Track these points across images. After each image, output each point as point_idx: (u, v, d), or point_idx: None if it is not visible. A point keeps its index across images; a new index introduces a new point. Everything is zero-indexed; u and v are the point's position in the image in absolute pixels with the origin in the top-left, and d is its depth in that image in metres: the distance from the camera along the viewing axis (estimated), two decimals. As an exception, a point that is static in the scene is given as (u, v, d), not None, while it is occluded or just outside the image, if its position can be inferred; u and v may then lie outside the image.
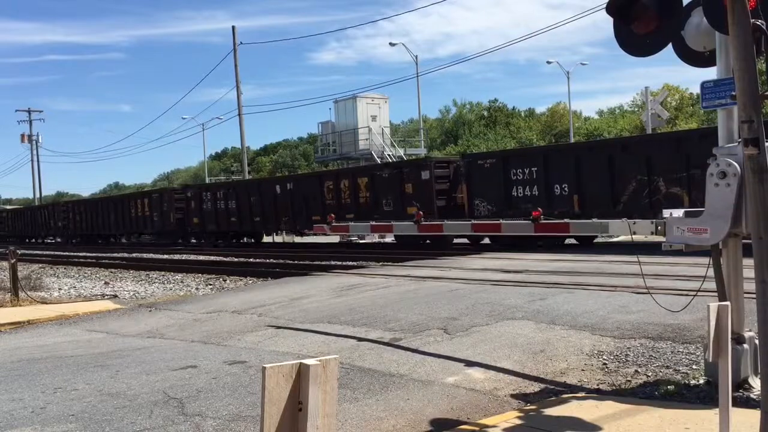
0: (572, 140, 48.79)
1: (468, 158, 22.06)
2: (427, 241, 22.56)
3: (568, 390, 5.24)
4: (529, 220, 6.15)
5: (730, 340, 3.67)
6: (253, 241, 32.40)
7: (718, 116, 5.03)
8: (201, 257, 26.73)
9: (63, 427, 4.74)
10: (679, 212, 5.01)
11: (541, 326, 7.26)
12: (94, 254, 31.38)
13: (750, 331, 4.81)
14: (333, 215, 10.66)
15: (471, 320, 7.76)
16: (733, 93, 3.88)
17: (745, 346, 4.81)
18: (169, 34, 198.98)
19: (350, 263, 19.11)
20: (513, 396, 5.19)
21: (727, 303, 3.76)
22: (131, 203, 37.90)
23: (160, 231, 35.91)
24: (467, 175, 21.10)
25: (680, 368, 5.56)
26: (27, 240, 53.97)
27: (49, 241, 51.58)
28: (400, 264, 16.08)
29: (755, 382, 4.72)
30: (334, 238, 28.21)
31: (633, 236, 5.22)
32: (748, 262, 3.91)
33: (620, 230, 5.42)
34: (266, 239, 33.33)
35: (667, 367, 5.61)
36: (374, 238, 27.19)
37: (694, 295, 5.73)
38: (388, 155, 38.10)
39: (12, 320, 10.62)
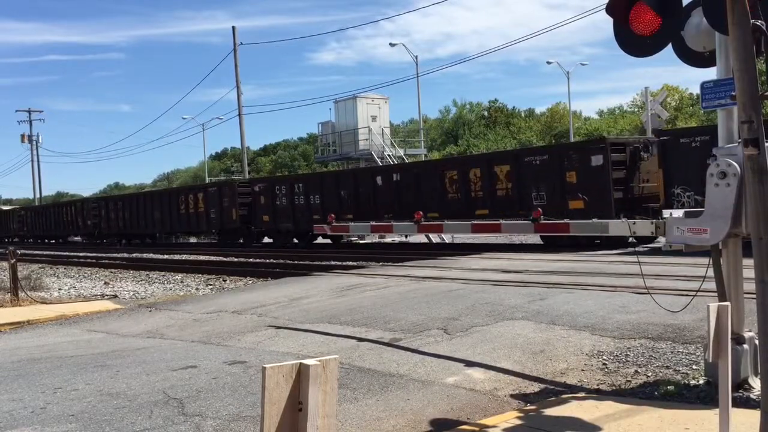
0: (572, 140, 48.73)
1: (667, 135, 18.23)
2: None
3: (568, 390, 5.24)
4: (529, 220, 6.15)
5: (730, 340, 3.67)
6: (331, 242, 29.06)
7: (718, 116, 5.04)
8: (201, 257, 26.73)
9: (63, 427, 4.74)
10: (679, 212, 5.01)
11: (541, 326, 7.26)
12: (94, 254, 31.38)
13: (750, 331, 4.81)
14: (333, 215, 10.63)
15: (471, 320, 7.76)
16: (733, 93, 3.88)
17: (745, 346, 4.80)
18: (168, 35, 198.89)
19: (350, 263, 19.11)
20: (513, 396, 5.19)
21: (727, 303, 3.76)
22: (181, 198, 34.47)
23: (220, 229, 32.85)
24: (663, 156, 17.35)
25: (680, 368, 5.56)
26: (47, 241, 50.57)
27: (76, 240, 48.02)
28: (400, 264, 16.07)
29: (755, 383, 4.72)
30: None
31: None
32: (748, 262, 3.91)
33: (620, 230, 5.42)
34: (367, 239, 30.18)
35: (667, 368, 5.61)
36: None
37: (694, 295, 5.73)
38: (388, 155, 38.08)
39: (12, 320, 10.62)
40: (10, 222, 58.05)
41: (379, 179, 25.04)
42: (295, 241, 29.53)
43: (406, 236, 27.73)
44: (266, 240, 31.83)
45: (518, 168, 20.44)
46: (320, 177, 29.30)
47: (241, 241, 31.92)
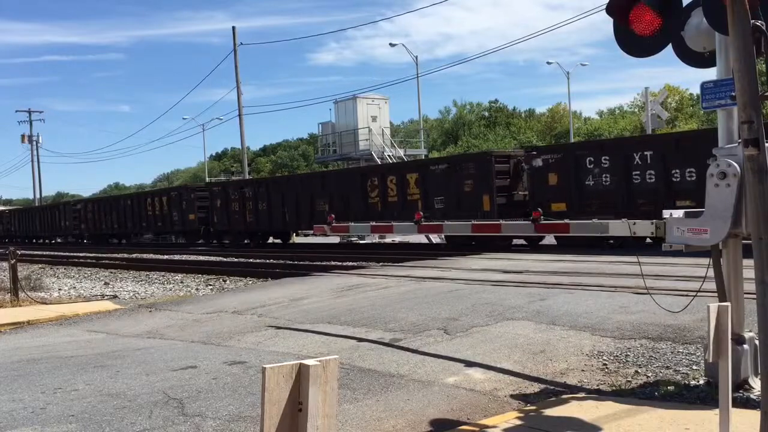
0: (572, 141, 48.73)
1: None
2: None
3: (568, 390, 5.24)
4: (529, 220, 6.15)
5: (730, 340, 3.66)
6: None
7: (718, 116, 5.03)
8: (201, 257, 26.73)
9: (63, 427, 4.74)
10: (679, 213, 5.01)
11: (541, 327, 7.26)
12: (93, 254, 31.39)
13: (750, 331, 4.81)
14: (333, 215, 10.61)
15: (471, 320, 7.76)
16: (733, 93, 3.88)
17: (745, 346, 4.80)
18: (168, 35, 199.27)
19: (350, 263, 19.11)
20: (513, 396, 5.19)
21: (727, 303, 3.76)
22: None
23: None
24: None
25: (680, 369, 5.55)
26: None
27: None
28: (400, 264, 16.07)
29: (755, 383, 4.72)
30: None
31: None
32: (748, 262, 3.91)
33: (620, 230, 5.42)
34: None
35: (667, 368, 5.61)
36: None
37: (694, 296, 5.73)
38: (389, 156, 38.11)
39: (12, 320, 10.61)
40: None
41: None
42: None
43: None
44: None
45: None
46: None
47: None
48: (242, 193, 30.32)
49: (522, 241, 21.49)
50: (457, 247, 20.91)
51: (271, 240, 32.03)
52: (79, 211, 44.77)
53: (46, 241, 51.62)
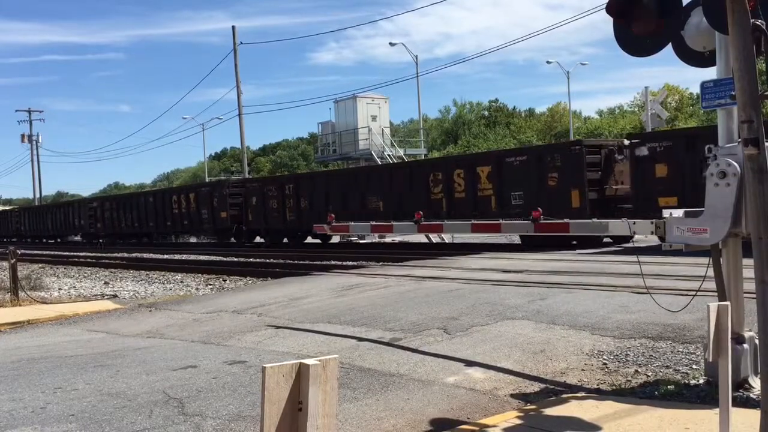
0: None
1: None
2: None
3: (568, 390, 5.24)
4: (529, 220, 6.14)
5: (730, 339, 3.66)
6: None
7: (718, 116, 5.03)
8: (201, 257, 26.73)
9: (63, 426, 4.74)
10: (679, 212, 5.01)
11: (541, 326, 7.26)
12: (93, 254, 31.38)
13: (750, 330, 4.81)
14: (333, 215, 10.61)
15: (471, 320, 7.76)
16: (733, 93, 3.88)
17: (745, 345, 4.80)
18: (167, 35, 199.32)
19: (350, 263, 19.11)
20: (513, 396, 5.19)
21: (727, 303, 3.76)
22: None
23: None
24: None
25: (680, 368, 5.55)
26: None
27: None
28: (400, 264, 16.07)
29: (755, 382, 4.72)
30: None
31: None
32: (748, 261, 3.91)
33: (620, 230, 5.42)
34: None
35: (667, 367, 5.61)
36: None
37: (694, 295, 5.73)
38: (389, 155, 38.10)
39: (12, 320, 10.61)
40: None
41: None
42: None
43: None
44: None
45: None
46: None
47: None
48: (282, 189, 28.51)
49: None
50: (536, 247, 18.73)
51: (309, 240, 29.90)
52: (94, 209, 42.68)
53: (58, 240, 49.34)
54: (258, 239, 31.41)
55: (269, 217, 29.15)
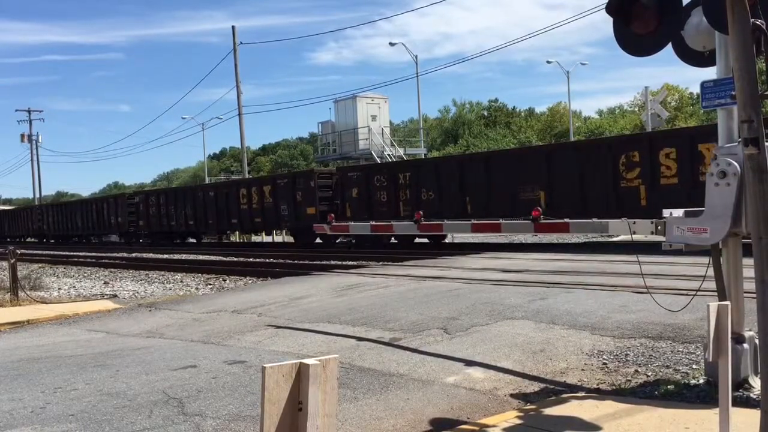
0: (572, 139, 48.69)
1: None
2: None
3: (568, 390, 5.24)
4: (529, 220, 6.14)
5: (730, 339, 3.66)
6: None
7: (718, 116, 5.03)
8: (201, 257, 26.73)
9: (63, 426, 4.74)
10: (679, 212, 5.01)
11: (540, 326, 7.26)
12: (93, 254, 31.38)
13: (750, 330, 4.81)
14: (332, 215, 10.62)
15: (471, 320, 7.76)
16: (733, 93, 3.87)
17: (745, 345, 4.80)
18: (167, 35, 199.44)
19: (350, 263, 19.11)
20: (513, 396, 5.19)
21: (727, 303, 3.76)
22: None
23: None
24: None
25: (680, 368, 5.55)
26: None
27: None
28: (400, 264, 16.07)
29: (755, 382, 4.72)
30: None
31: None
32: (748, 261, 3.91)
33: (620, 230, 5.42)
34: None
35: (667, 367, 5.61)
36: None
37: (694, 295, 5.73)
38: (388, 155, 38.11)
39: (12, 320, 10.61)
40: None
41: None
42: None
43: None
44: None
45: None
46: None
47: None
48: (393, 177, 23.69)
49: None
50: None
51: (416, 240, 24.53)
52: (137, 204, 37.51)
53: (93, 240, 43.84)
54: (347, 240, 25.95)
55: (375, 212, 23.96)
